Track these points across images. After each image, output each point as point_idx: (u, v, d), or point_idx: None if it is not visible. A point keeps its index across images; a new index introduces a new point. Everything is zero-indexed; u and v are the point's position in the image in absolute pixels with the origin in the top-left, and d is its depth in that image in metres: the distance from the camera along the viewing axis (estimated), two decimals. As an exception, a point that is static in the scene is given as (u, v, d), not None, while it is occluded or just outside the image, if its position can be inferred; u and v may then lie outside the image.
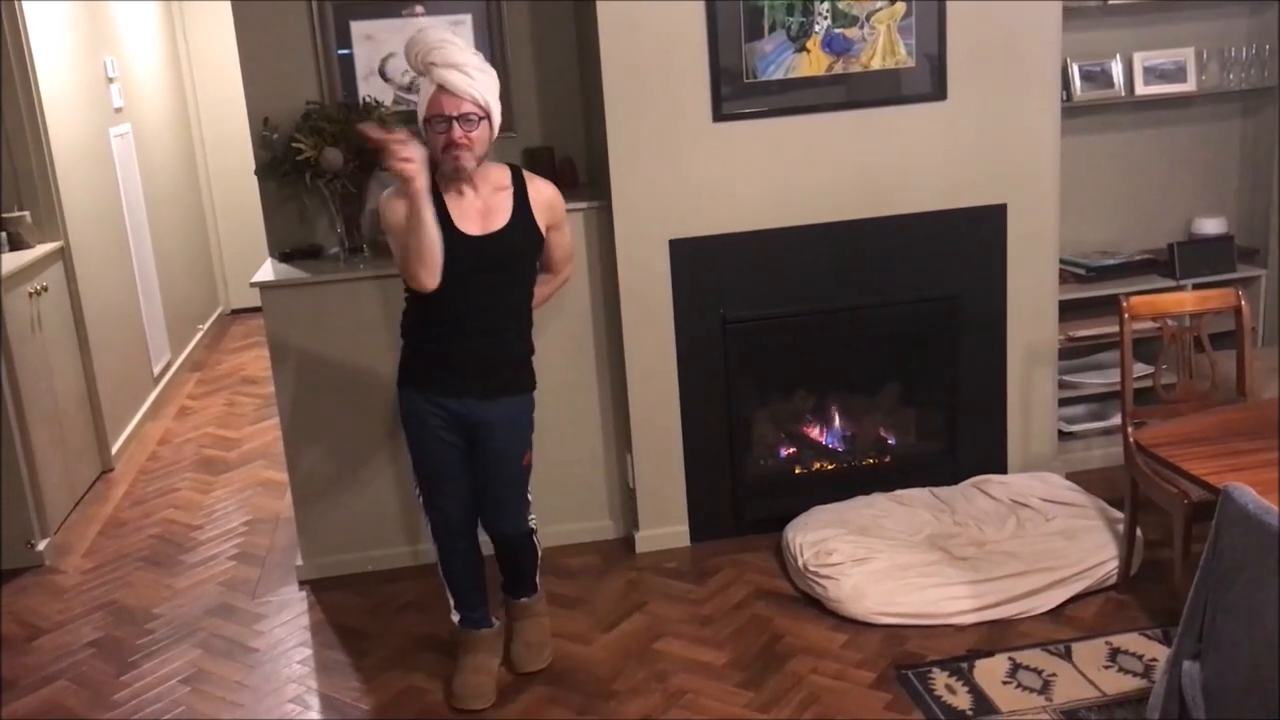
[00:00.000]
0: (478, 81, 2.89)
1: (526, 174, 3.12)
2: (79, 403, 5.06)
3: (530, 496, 3.27)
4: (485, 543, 3.33)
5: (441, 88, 2.87)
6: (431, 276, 2.90)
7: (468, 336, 3.04)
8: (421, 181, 2.80)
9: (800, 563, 3.66)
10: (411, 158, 2.78)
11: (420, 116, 2.95)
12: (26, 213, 4.82)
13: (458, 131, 2.89)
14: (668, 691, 3.23)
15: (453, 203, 3.00)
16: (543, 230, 3.10)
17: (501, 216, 3.02)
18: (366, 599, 3.88)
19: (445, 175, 2.98)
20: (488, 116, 2.93)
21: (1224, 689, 2.26)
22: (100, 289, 5.43)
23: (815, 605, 3.59)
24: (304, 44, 4.00)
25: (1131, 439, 3.35)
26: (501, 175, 3.08)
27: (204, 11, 7.73)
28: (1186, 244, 4.41)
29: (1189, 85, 4.42)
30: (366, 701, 3.30)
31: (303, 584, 4.01)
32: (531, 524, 3.28)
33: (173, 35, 7.76)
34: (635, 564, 4.00)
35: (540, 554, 3.38)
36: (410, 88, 4.06)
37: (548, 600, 3.57)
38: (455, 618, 3.34)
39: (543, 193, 3.11)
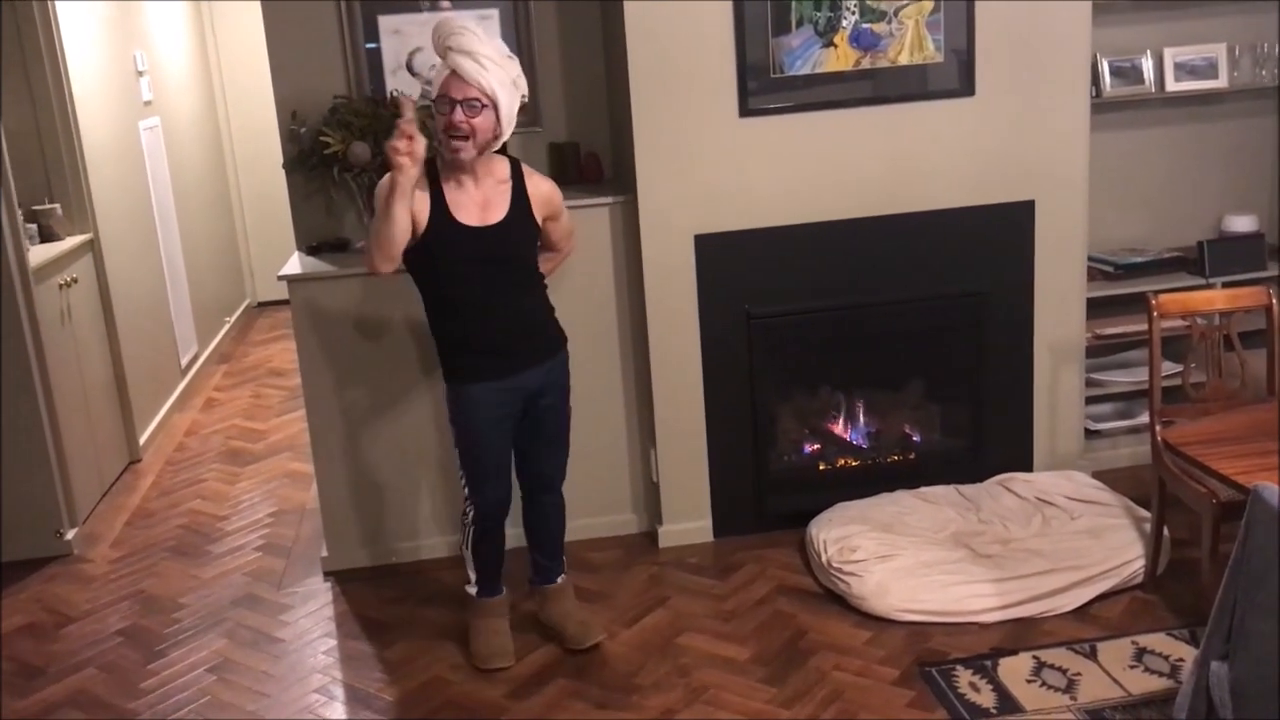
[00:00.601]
0: (489, 72, 2.93)
1: (525, 168, 3.19)
2: (107, 394, 5.10)
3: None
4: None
5: (453, 72, 2.93)
6: (385, 261, 2.96)
7: (495, 319, 3.13)
8: (407, 175, 2.86)
9: (824, 559, 3.65)
10: (404, 150, 2.82)
11: (432, 95, 3.02)
12: (57, 205, 4.87)
13: (459, 115, 2.94)
14: (690, 686, 3.23)
15: (452, 194, 3.06)
16: (539, 222, 3.18)
17: (499, 210, 3.09)
18: (391, 591, 3.90)
19: (446, 163, 3.04)
20: (493, 107, 2.96)
21: (1253, 690, 2.24)
22: (129, 281, 5.48)
23: (838, 602, 3.59)
24: (332, 38, 4.02)
25: (1160, 437, 3.33)
26: (501, 168, 3.14)
27: (233, 6, 7.77)
28: (1216, 241, 4.37)
29: (1220, 81, 4.38)
30: (390, 692, 3.31)
31: (328, 575, 4.04)
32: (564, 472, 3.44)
33: (201, 29, 7.81)
34: (658, 558, 4.01)
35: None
36: (437, 81, 4.07)
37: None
38: (473, 590, 3.45)
39: (540, 188, 3.18)
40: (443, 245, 3.03)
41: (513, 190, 3.11)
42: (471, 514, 3.32)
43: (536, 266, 3.25)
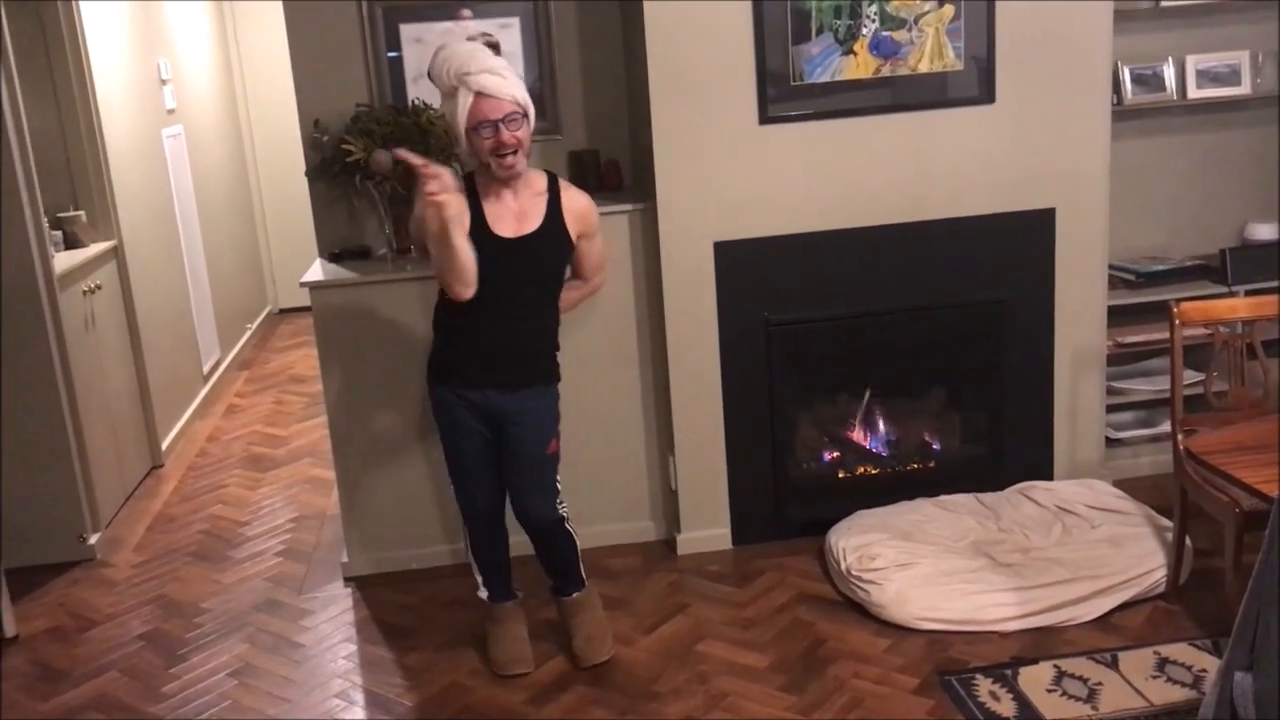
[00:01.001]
0: (510, 81, 2.96)
1: (562, 182, 3.19)
2: (131, 400, 5.14)
3: (560, 485, 3.31)
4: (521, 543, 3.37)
5: (480, 94, 2.93)
6: (466, 287, 3.00)
7: (492, 332, 3.13)
8: (453, 209, 2.86)
9: (843, 567, 3.64)
10: (438, 191, 2.82)
11: (461, 128, 2.99)
12: (82, 212, 4.91)
13: (506, 134, 2.95)
14: (709, 694, 3.23)
15: (491, 207, 3.08)
16: (574, 237, 3.17)
17: (534, 220, 3.10)
18: (411, 596, 3.91)
19: (491, 178, 3.04)
20: (526, 114, 3.00)
21: (1277, 701, 2.23)
22: (152, 288, 5.52)
23: (858, 610, 3.58)
24: (354, 47, 4.04)
25: (1182, 446, 3.31)
26: (539, 181, 3.15)
27: (255, 15, 7.84)
28: (1239, 249, 4.35)
29: (1243, 88, 4.36)
30: (410, 697, 3.33)
31: (348, 580, 4.06)
32: (562, 511, 3.31)
33: (224, 38, 7.87)
34: (677, 566, 4.01)
35: (579, 545, 3.40)
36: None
37: (590, 600, 3.60)
38: (484, 594, 3.46)
39: (576, 201, 3.18)
40: (478, 254, 3.02)
41: (548, 202, 3.12)
42: (460, 515, 3.36)
43: (557, 296, 3.24)
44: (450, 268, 2.95)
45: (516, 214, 3.08)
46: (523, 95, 2.98)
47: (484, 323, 3.11)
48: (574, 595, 3.46)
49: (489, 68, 2.93)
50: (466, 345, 3.16)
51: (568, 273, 3.28)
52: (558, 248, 3.16)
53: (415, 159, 2.87)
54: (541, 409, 3.24)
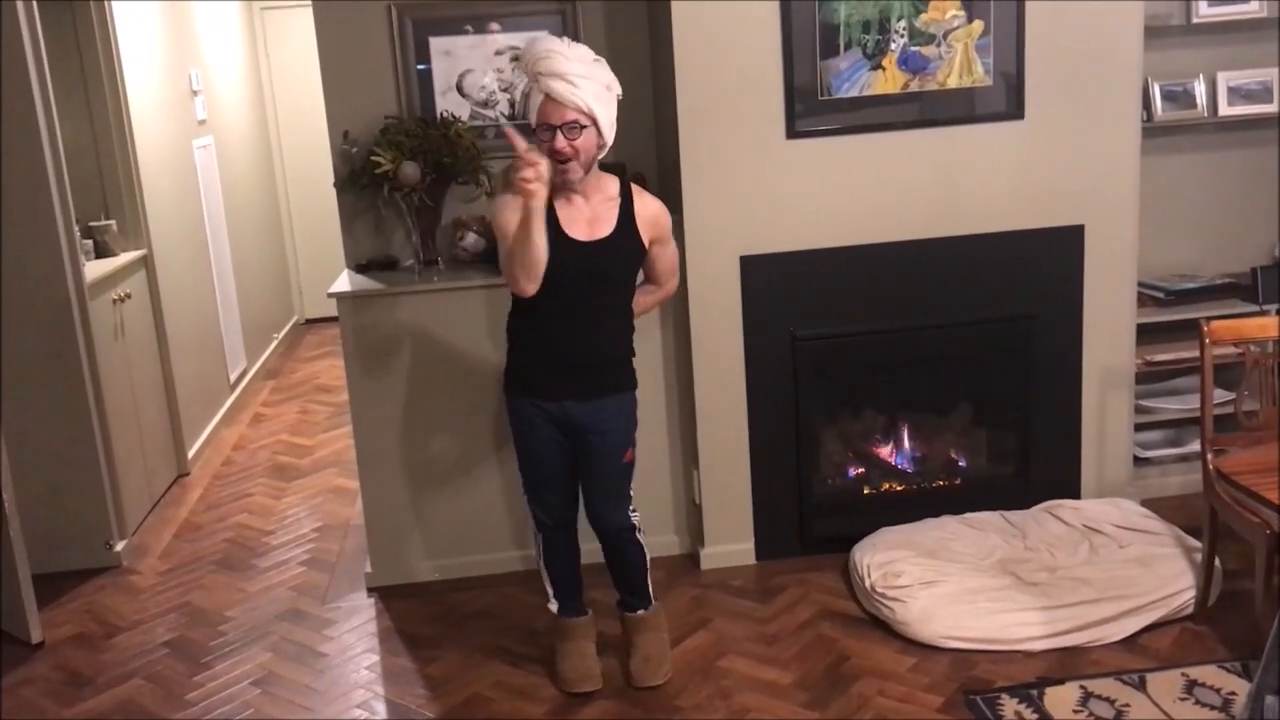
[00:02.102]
0: (581, 89, 2.92)
1: (635, 188, 3.17)
2: (158, 407, 5.18)
3: (632, 493, 3.30)
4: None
5: (548, 97, 2.93)
6: (531, 283, 2.95)
7: (568, 339, 3.11)
8: (539, 200, 2.83)
9: (868, 584, 3.62)
10: (533, 178, 2.79)
11: (532, 124, 3.01)
12: (113, 221, 4.96)
13: (560, 141, 2.94)
14: (731, 709, 3.21)
15: (562, 208, 3.05)
16: (645, 243, 3.14)
17: (607, 225, 3.08)
18: (434, 607, 3.91)
19: (556, 180, 3.03)
20: (593, 123, 2.96)
21: (1308, 725, 2.20)
22: (181, 297, 5.56)
23: (882, 627, 3.56)
24: (384, 59, 4.07)
25: (1211, 466, 3.28)
26: (611, 185, 3.13)
27: (285, 27, 7.90)
28: (1271, 268, 4.31)
29: (1274, 106, 4.32)
30: (432, 709, 3.33)
31: (371, 591, 4.06)
32: (634, 520, 3.30)
33: (255, 50, 7.94)
34: (700, 580, 3.99)
35: (649, 557, 3.39)
36: (486, 104, 4.13)
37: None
38: (554, 607, 3.43)
39: (649, 207, 3.16)
40: (552, 258, 2.98)
41: (621, 207, 3.10)
42: (532, 525, 3.34)
43: (630, 301, 3.22)
44: (522, 261, 2.90)
45: (589, 218, 3.06)
46: (590, 105, 2.92)
47: (559, 330, 3.09)
48: (639, 612, 3.43)
49: (560, 72, 2.90)
50: (543, 355, 3.13)
51: (639, 277, 3.26)
52: (631, 253, 3.14)
53: (520, 140, 2.82)
54: (620, 417, 3.22)
